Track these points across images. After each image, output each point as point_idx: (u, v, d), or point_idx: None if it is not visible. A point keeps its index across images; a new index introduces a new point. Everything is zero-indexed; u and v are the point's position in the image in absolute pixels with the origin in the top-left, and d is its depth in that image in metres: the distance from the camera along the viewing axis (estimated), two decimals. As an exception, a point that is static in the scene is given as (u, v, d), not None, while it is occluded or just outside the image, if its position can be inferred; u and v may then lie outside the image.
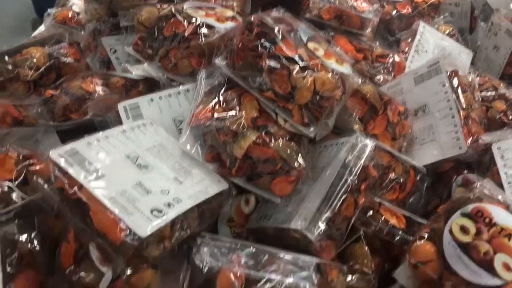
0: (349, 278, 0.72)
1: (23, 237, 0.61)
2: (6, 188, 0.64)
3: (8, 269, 0.56)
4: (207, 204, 0.63)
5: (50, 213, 0.68)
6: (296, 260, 0.58)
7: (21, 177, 0.65)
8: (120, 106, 0.73)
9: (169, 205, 0.58)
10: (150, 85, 0.85)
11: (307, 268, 0.57)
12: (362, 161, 0.67)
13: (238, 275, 0.57)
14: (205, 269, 0.60)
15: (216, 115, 0.65)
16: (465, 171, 0.87)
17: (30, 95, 0.83)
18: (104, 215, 0.54)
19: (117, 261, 0.55)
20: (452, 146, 0.83)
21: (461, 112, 0.84)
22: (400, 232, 0.75)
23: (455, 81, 0.86)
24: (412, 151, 0.89)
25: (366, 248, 0.74)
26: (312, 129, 0.67)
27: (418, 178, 0.85)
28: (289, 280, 0.56)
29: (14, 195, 0.64)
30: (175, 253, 0.61)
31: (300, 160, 0.66)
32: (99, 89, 0.79)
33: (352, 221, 0.70)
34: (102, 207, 0.55)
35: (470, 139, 0.82)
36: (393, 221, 0.77)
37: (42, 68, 0.86)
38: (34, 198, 0.64)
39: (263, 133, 0.65)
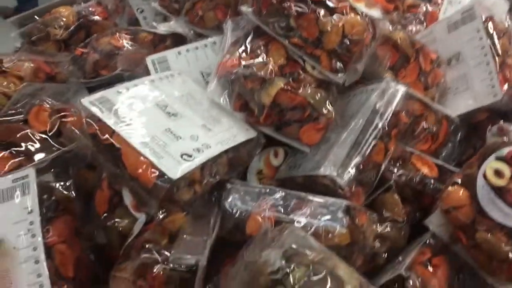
0: (379, 226, 0.72)
1: (59, 185, 0.62)
2: (41, 139, 0.66)
3: (46, 213, 0.58)
4: (235, 151, 0.63)
5: (84, 164, 0.70)
6: (325, 203, 0.58)
7: (55, 129, 0.67)
8: (149, 60, 0.74)
9: (198, 150, 0.58)
10: (177, 41, 0.85)
11: (337, 210, 0.57)
12: (393, 106, 0.66)
13: (268, 218, 0.58)
14: (235, 214, 0.61)
15: (243, 62, 0.65)
16: (501, 121, 0.84)
17: (61, 53, 0.84)
18: (136, 159, 0.55)
19: (149, 204, 0.56)
20: (487, 93, 0.80)
21: (497, 59, 0.80)
22: (432, 181, 0.74)
23: (490, 27, 0.83)
24: (445, 101, 0.87)
25: (397, 196, 0.73)
26: (340, 75, 0.66)
27: (451, 128, 0.83)
28: (319, 222, 0.56)
29: (48, 145, 0.65)
30: (206, 199, 0.62)
31: (329, 106, 0.65)
32: (128, 44, 0.80)
33: (383, 169, 0.70)
34: (133, 152, 0.56)
35: (506, 85, 0.79)
36: (424, 170, 0.76)
37: (72, 27, 0.88)
38: (68, 148, 0.65)
39: (290, 80, 0.65)
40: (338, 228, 0.56)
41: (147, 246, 0.52)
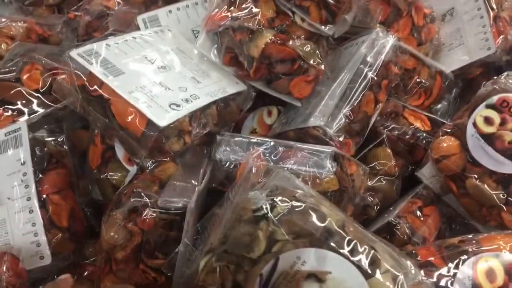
0: (372, 179, 0.72)
1: (52, 139, 0.63)
2: (33, 96, 0.66)
3: (39, 165, 0.59)
4: (225, 103, 0.64)
5: (78, 124, 0.71)
6: (314, 150, 0.58)
7: (47, 86, 0.67)
8: (139, 19, 0.74)
9: (186, 100, 0.59)
10: (169, 1, 0.84)
11: (325, 157, 0.57)
12: (383, 56, 0.66)
13: (257, 166, 0.58)
14: (225, 164, 0.62)
15: (231, 15, 0.65)
16: (495, 77, 0.84)
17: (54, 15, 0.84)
18: (125, 109, 0.56)
19: (139, 153, 0.57)
20: (481, 47, 0.80)
21: (491, 12, 0.80)
22: (424, 134, 0.74)
23: (485, -20, 0.82)
24: (439, 57, 0.86)
25: (389, 150, 0.73)
26: (330, 26, 0.66)
27: (445, 84, 0.82)
28: (307, 168, 0.57)
29: (40, 102, 0.66)
30: (196, 151, 0.63)
31: (319, 58, 0.65)
32: (119, 5, 0.80)
33: (374, 121, 0.70)
34: (122, 102, 0.56)
35: (500, 38, 0.78)
36: (417, 123, 0.76)
37: (65, -8, 0.87)
38: (60, 105, 0.66)
39: (279, 32, 0.65)
40: (325, 173, 0.56)
41: (137, 191, 0.53)
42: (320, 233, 0.41)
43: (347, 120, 0.64)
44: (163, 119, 0.55)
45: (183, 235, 0.50)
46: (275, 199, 0.43)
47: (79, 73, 0.58)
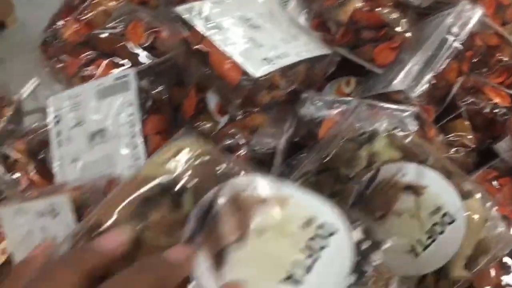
0: (448, 150, 0.74)
1: (154, 88, 0.70)
2: (137, 50, 0.73)
3: (143, 108, 0.66)
4: (311, 64, 0.68)
5: (175, 80, 0.77)
6: (397, 109, 0.61)
7: (150, 41, 0.74)
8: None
9: (278, 57, 0.63)
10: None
11: (408, 115, 0.60)
12: (469, 27, 0.67)
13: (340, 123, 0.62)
14: (309, 120, 0.66)
15: (322, -19, 0.69)
16: None
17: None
18: (223, 61, 0.62)
19: (233, 101, 0.62)
20: None
21: None
22: (504, 110, 0.75)
23: None
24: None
25: (467, 123, 0.75)
26: (418, -5, 0.68)
27: (528, 65, 0.82)
28: (390, 125, 0.60)
29: (143, 56, 0.73)
30: (283, 106, 0.68)
31: (404, 26, 0.67)
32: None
33: (454, 91, 0.72)
34: (221, 54, 0.62)
35: None
36: (497, 99, 0.76)
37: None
38: (163, 59, 0.73)
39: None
40: (407, 129, 0.59)
41: (230, 133, 0.58)
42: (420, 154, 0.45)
43: (429, 86, 0.66)
44: (257, 71, 0.60)
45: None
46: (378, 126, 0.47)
47: (182, 28, 0.64)
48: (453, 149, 0.74)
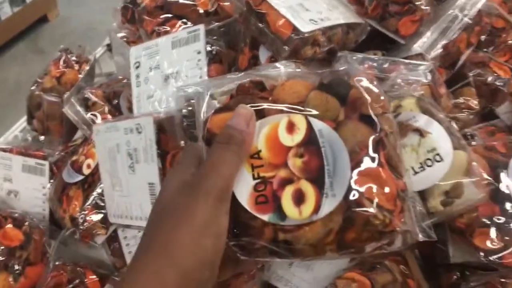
0: (455, 112, 0.89)
1: (217, 44, 0.86)
2: (204, 14, 0.90)
3: (208, 56, 0.82)
4: (347, 29, 0.83)
5: (230, 43, 0.94)
6: (416, 64, 0.76)
7: (214, 8, 0.91)
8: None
9: (321, 19, 0.79)
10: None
11: (424, 69, 0.75)
12: (478, 5, 0.82)
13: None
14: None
15: (360, -37, 0.84)
16: None
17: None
18: (277, 19, 0.78)
19: (283, 52, 0.78)
20: None
21: None
22: (506, 80, 0.89)
23: None
24: (528, 27, 1.00)
25: (473, 89, 0.89)
26: (436, -22, 0.83)
27: (530, 48, 0.96)
28: (408, 76, 0.75)
29: (209, 19, 0.90)
30: (321, 62, 0.83)
31: (425, 1, 0.83)
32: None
33: (463, 59, 0.86)
34: (276, 14, 0.78)
35: None
36: (500, 72, 0.91)
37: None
38: (223, 22, 0.89)
39: (396, -20, 0.83)
40: (422, 80, 0.74)
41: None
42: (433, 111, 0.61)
43: (442, 51, 0.81)
44: (304, 28, 0.76)
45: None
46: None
47: (240, -8, 0.81)
48: (461, 111, 0.89)
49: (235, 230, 0.48)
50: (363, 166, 0.49)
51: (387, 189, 0.48)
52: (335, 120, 0.52)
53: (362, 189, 0.48)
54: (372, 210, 0.47)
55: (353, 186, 0.48)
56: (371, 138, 0.51)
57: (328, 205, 0.47)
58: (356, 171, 0.49)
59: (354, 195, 0.48)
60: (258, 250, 0.50)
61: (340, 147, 0.50)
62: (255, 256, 0.50)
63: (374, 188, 0.48)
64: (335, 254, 0.50)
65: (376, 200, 0.47)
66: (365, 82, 0.56)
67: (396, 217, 0.48)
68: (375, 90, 0.56)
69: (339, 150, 0.49)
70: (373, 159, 0.49)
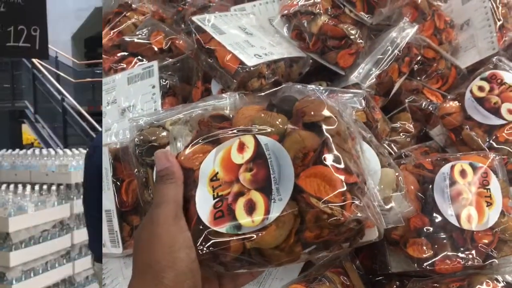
0: (393, 135, 0.97)
1: (169, 78, 0.93)
2: (159, 52, 0.96)
3: (162, 90, 0.88)
4: (290, 62, 0.91)
5: (183, 78, 1.00)
6: (350, 93, 0.84)
7: (168, 46, 0.97)
8: (232, 9, 1.04)
9: (265, 54, 0.86)
10: None
11: (358, 97, 0.83)
12: (407, 39, 0.92)
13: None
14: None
15: (300, 3, 0.93)
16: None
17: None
18: (225, 55, 0.84)
19: (231, 85, 0.84)
20: (487, 48, 1.04)
21: (497, 22, 1.04)
22: (437, 104, 0.98)
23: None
24: (457, 57, 1.11)
25: (409, 114, 0.98)
26: (369, 16, 0.93)
27: (459, 75, 1.06)
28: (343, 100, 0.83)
29: (163, 56, 0.96)
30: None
31: (360, 37, 0.91)
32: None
33: (396, 87, 0.95)
34: (224, 50, 0.85)
35: (502, 41, 1.02)
36: (433, 98, 1.00)
37: (176, -9, 1.19)
38: (176, 59, 0.96)
39: (333, 17, 0.92)
40: (356, 108, 0.81)
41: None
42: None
43: (376, 80, 0.89)
44: (250, 62, 0.83)
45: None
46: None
47: (196, 32, 0.88)
48: (399, 134, 0.97)
49: (210, 248, 0.53)
50: (307, 169, 0.54)
51: (332, 185, 0.53)
52: (283, 133, 0.57)
53: (307, 189, 0.53)
54: (319, 206, 0.52)
55: (299, 188, 0.53)
56: (315, 142, 0.56)
57: (277, 209, 0.52)
58: (301, 175, 0.54)
59: (300, 196, 0.53)
60: (234, 263, 0.54)
61: (284, 156, 0.54)
62: (234, 269, 0.55)
63: (319, 186, 0.53)
64: (306, 255, 0.54)
65: (321, 196, 0.52)
66: (310, 96, 0.62)
67: (347, 209, 0.53)
68: (319, 99, 0.61)
69: (283, 159, 0.54)
70: (318, 161, 0.54)
